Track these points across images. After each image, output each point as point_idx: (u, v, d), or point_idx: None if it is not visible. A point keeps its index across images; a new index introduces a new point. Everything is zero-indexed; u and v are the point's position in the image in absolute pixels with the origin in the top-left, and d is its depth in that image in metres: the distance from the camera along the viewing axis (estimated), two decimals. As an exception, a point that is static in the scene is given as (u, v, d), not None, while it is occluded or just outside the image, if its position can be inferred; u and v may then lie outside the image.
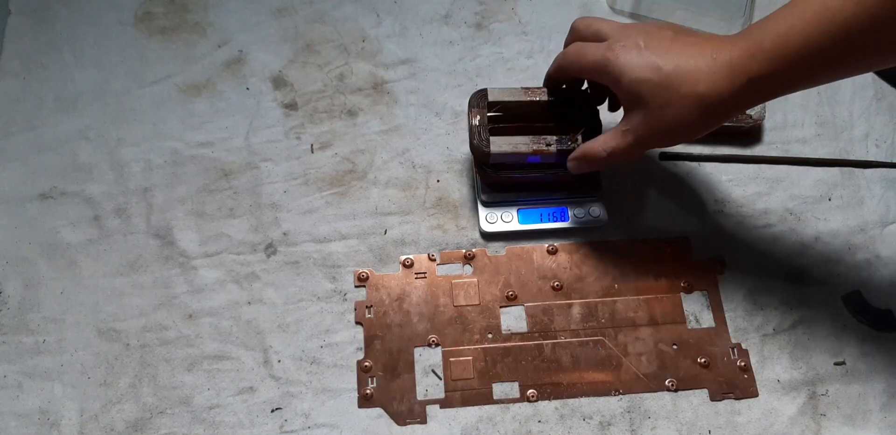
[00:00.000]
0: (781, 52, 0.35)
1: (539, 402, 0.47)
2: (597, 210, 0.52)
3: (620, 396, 0.48)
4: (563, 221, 0.52)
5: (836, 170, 0.55)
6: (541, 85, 0.48)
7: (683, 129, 0.40)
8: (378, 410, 0.47)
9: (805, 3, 0.35)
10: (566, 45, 0.45)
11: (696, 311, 0.50)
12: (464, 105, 0.55)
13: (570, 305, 0.50)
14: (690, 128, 0.40)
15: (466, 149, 0.54)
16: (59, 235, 0.52)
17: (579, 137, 0.46)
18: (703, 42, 0.39)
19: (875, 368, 0.49)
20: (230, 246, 0.52)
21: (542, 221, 0.52)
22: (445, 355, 0.48)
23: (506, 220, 0.52)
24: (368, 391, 0.47)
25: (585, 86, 0.48)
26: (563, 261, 0.52)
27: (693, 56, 0.38)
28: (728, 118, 0.40)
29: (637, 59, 0.39)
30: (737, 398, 0.48)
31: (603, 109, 0.48)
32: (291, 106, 0.57)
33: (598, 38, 0.42)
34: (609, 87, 0.41)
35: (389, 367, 0.48)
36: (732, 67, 0.37)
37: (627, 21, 0.60)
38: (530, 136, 0.46)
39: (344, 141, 0.56)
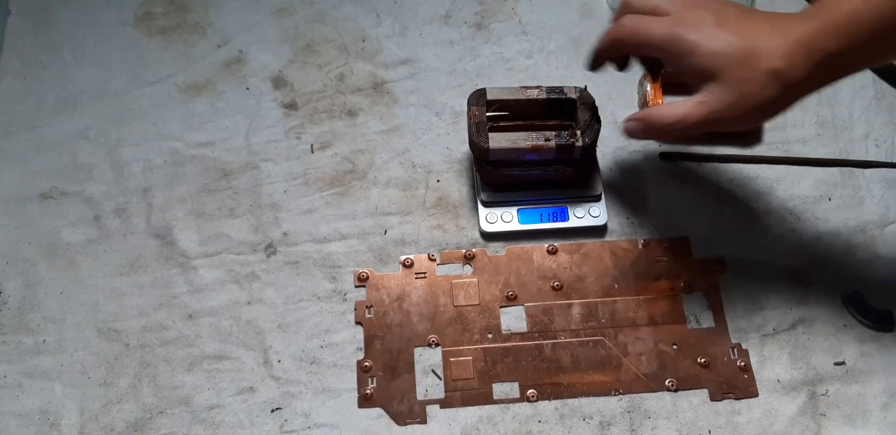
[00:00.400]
0: (855, 29, 0.35)
1: (539, 402, 0.47)
2: (597, 210, 0.52)
3: (620, 396, 0.48)
4: (563, 220, 0.52)
5: (836, 170, 0.55)
6: (540, 84, 0.48)
7: (762, 105, 0.39)
8: (378, 410, 0.47)
9: None
10: (615, 20, 0.43)
11: (696, 311, 0.50)
12: (464, 105, 0.55)
13: (570, 305, 0.50)
14: (768, 105, 0.39)
15: (466, 149, 0.54)
16: (59, 235, 0.52)
17: (578, 133, 0.46)
18: (773, 19, 0.38)
19: (875, 368, 0.49)
20: (230, 246, 0.52)
21: (542, 221, 0.52)
22: (445, 355, 0.48)
23: (506, 220, 0.52)
24: (368, 391, 0.47)
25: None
26: (563, 261, 0.52)
27: (767, 33, 0.37)
28: (803, 97, 0.39)
29: (710, 35, 0.38)
30: (737, 398, 0.48)
31: (602, 108, 0.48)
32: (291, 106, 0.57)
33: (656, 13, 0.41)
34: (674, 62, 0.40)
35: (389, 367, 0.48)
36: (808, 44, 0.36)
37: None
38: (529, 132, 0.46)
39: (344, 141, 0.56)
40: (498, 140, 0.46)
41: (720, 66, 0.38)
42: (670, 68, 0.41)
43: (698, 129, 0.41)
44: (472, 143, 0.47)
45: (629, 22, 0.41)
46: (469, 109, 0.47)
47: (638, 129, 0.43)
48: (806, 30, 0.37)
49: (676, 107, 0.41)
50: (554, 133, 0.46)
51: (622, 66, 0.46)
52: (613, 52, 0.44)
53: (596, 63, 0.45)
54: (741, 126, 0.41)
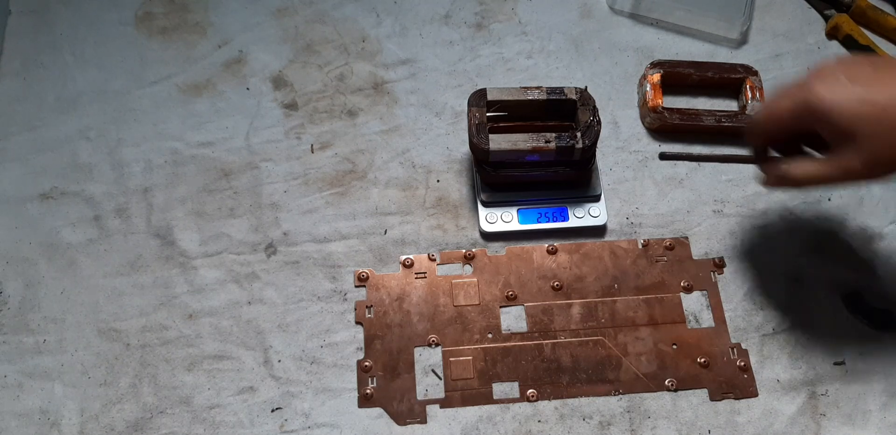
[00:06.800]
0: None
1: (539, 402, 0.47)
2: (596, 210, 0.52)
3: (620, 395, 0.48)
4: (562, 221, 0.52)
5: (835, 170, 0.55)
6: (541, 84, 0.48)
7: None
8: (378, 410, 0.47)
9: None
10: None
11: (696, 311, 0.50)
12: (464, 105, 0.55)
13: (569, 305, 0.50)
14: None
15: (466, 149, 0.54)
16: (60, 235, 0.52)
17: (578, 134, 0.46)
18: None
19: (875, 368, 0.49)
20: (230, 246, 0.52)
21: (541, 221, 0.52)
22: (445, 355, 0.48)
23: (506, 220, 0.52)
24: (368, 391, 0.47)
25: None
26: (563, 261, 0.52)
27: None
28: None
29: (843, 94, 0.37)
30: (736, 398, 0.48)
31: (602, 109, 0.48)
32: (291, 106, 0.57)
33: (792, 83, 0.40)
34: (815, 126, 0.39)
35: (389, 367, 0.48)
36: None
37: (627, 21, 0.61)
38: (529, 134, 0.46)
39: (344, 141, 0.56)
40: (498, 141, 0.46)
41: (857, 125, 0.37)
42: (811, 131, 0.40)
43: (834, 186, 0.41)
44: (472, 145, 0.47)
45: (766, 101, 0.40)
46: (469, 110, 0.47)
47: (772, 184, 0.43)
48: None
49: (811, 166, 0.40)
50: (554, 135, 0.46)
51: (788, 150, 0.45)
52: (767, 134, 0.43)
53: (759, 150, 0.44)
54: (875, 180, 0.41)
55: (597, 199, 0.52)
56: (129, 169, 0.54)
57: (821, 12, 0.61)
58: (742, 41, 0.60)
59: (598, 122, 0.47)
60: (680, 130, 0.56)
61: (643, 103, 0.56)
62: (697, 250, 0.52)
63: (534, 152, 0.46)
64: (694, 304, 0.51)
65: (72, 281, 0.51)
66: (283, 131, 0.56)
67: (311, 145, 0.55)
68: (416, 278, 0.51)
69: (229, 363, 0.48)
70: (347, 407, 0.47)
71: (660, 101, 0.54)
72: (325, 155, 0.55)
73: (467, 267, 0.51)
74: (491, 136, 0.46)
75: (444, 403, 0.47)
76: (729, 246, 0.52)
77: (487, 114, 0.47)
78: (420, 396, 0.47)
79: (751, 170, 0.55)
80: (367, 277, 0.51)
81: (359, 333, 0.49)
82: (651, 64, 0.56)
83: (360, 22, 0.60)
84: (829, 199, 0.54)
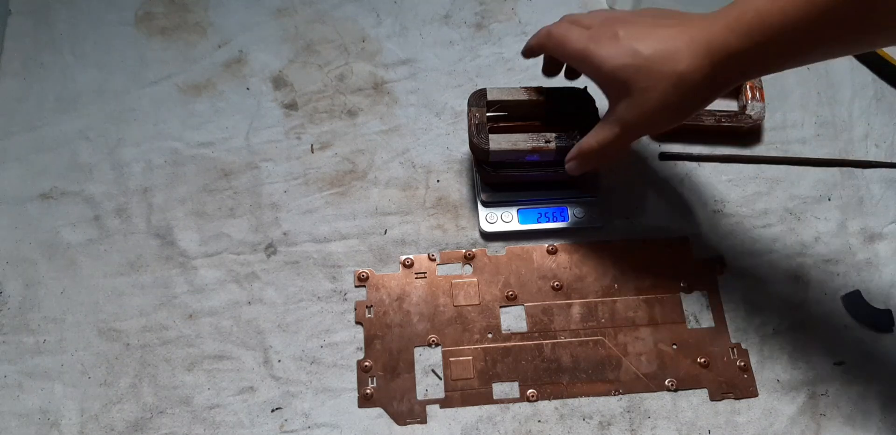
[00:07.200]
0: (761, 27, 0.34)
1: (539, 402, 0.47)
2: (597, 210, 0.52)
3: (620, 395, 0.48)
4: (562, 221, 0.52)
5: (835, 170, 0.55)
6: (541, 84, 0.48)
7: (668, 112, 0.39)
8: (378, 410, 0.47)
9: None
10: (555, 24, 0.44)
11: (696, 311, 0.50)
12: (464, 105, 0.55)
13: (569, 305, 0.50)
14: (675, 110, 0.39)
15: (466, 149, 0.54)
16: (59, 235, 0.52)
17: (578, 134, 0.46)
18: (682, 22, 0.38)
19: (875, 368, 0.49)
20: (230, 246, 0.52)
21: (541, 221, 0.52)
22: (445, 355, 0.48)
23: (506, 220, 0.52)
24: (368, 391, 0.47)
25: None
26: (563, 261, 0.52)
27: (672, 37, 0.37)
28: (712, 99, 0.39)
29: (616, 49, 0.38)
30: (736, 398, 0.48)
31: (602, 109, 0.48)
32: (291, 106, 0.57)
33: (581, 25, 0.42)
34: (590, 77, 0.41)
35: (389, 367, 0.48)
36: (711, 44, 0.36)
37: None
38: (530, 134, 0.46)
39: (344, 141, 0.56)
40: (498, 142, 0.46)
41: (625, 77, 0.38)
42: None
43: (623, 146, 0.42)
44: (472, 145, 0.47)
45: (556, 30, 0.43)
46: (469, 110, 0.47)
47: (579, 165, 0.45)
48: (712, 29, 0.36)
49: (596, 133, 0.42)
50: (554, 135, 0.46)
51: (550, 71, 0.47)
52: (539, 53, 0.45)
53: (527, 56, 0.46)
54: (660, 131, 0.43)
55: (597, 199, 0.52)
56: (129, 169, 0.54)
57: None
58: (742, 41, 0.60)
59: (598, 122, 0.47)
60: (680, 130, 0.56)
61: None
62: (697, 250, 0.52)
63: (534, 152, 0.46)
64: (694, 304, 0.51)
65: (72, 281, 0.51)
66: (283, 131, 0.56)
67: (311, 145, 0.55)
68: (416, 278, 0.51)
69: (229, 363, 0.48)
70: (347, 407, 0.47)
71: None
72: (325, 155, 0.55)
73: (467, 267, 0.51)
74: (491, 136, 0.46)
75: (444, 403, 0.47)
76: (729, 246, 0.52)
77: (487, 114, 0.47)
78: (420, 396, 0.47)
79: (751, 170, 0.55)
80: (367, 277, 0.51)
81: (359, 333, 0.49)
82: (651, 64, 0.56)
83: (360, 22, 0.60)
84: (829, 199, 0.54)
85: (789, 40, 0.34)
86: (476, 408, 0.47)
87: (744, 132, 0.56)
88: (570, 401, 0.47)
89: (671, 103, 0.38)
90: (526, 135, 0.46)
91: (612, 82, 0.40)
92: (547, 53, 0.45)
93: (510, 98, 0.47)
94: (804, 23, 0.33)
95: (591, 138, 0.43)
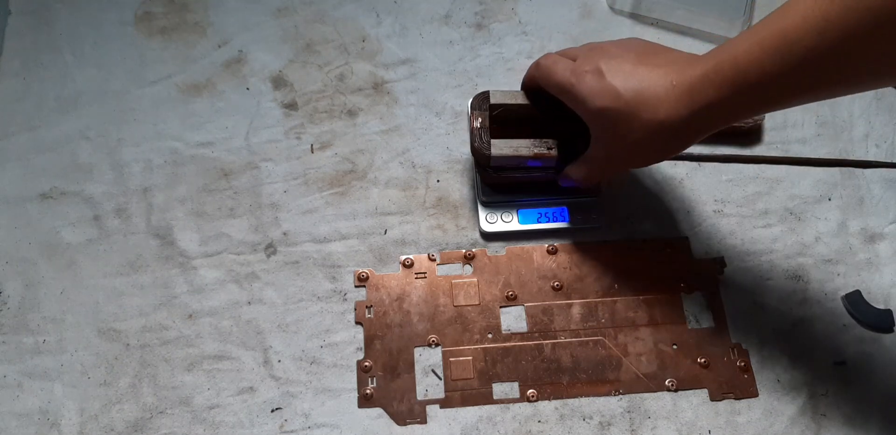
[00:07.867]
0: (738, 80, 0.34)
1: (539, 402, 0.47)
2: (597, 210, 0.52)
3: (620, 396, 0.48)
4: (562, 221, 0.52)
5: (836, 170, 0.55)
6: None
7: (647, 154, 0.41)
8: (378, 410, 0.47)
9: (765, 30, 0.33)
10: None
11: (696, 311, 0.50)
12: (464, 105, 0.55)
13: (570, 305, 0.50)
14: (655, 152, 0.41)
15: (466, 149, 0.54)
16: (59, 235, 0.52)
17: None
18: (665, 64, 0.38)
19: (875, 368, 0.49)
20: (230, 246, 0.52)
21: (541, 222, 0.52)
22: (445, 355, 0.48)
23: (506, 220, 0.52)
24: (368, 391, 0.47)
25: None
26: (563, 261, 0.52)
27: (654, 81, 0.37)
28: (693, 142, 0.39)
29: (598, 86, 0.39)
30: (737, 398, 0.48)
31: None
32: (291, 106, 0.57)
33: (567, 55, 0.43)
34: (574, 111, 0.42)
35: (389, 367, 0.48)
36: (692, 93, 0.36)
37: (628, 21, 0.61)
38: (531, 140, 0.46)
39: (344, 141, 0.56)
40: (500, 147, 0.46)
41: (606, 119, 0.39)
42: None
43: (601, 181, 0.45)
44: (473, 149, 0.47)
45: (543, 62, 0.43)
46: (471, 114, 0.47)
47: (568, 183, 0.48)
48: (693, 77, 0.36)
49: (579, 166, 0.45)
50: (556, 141, 0.46)
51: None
52: (534, 85, 0.46)
53: (525, 89, 0.47)
54: (641, 166, 0.45)
55: (597, 199, 0.52)
56: (129, 169, 0.54)
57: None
58: (742, 41, 0.60)
59: None
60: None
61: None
62: (697, 250, 0.52)
63: (536, 158, 0.46)
64: (694, 304, 0.51)
65: (72, 281, 0.51)
66: (283, 131, 0.56)
67: (311, 145, 0.55)
68: (416, 278, 0.51)
69: (229, 363, 0.48)
70: (347, 407, 0.47)
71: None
72: (325, 155, 0.55)
73: (467, 267, 0.51)
74: (493, 141, 0.46)
75: (444, 403, 0.47)
76: (729, 246, 0.52)
77: (490, 117, 0.47)
78: (420, 397, 0.47)
79: (751, 170, 0.55)
80: (367, 277, 0.51)
81: (359, 334, 0.49)
82: (651, 64, 0.56)
83: (360, 22, 0.60)
84: (830, 199, 0.54)
85: (768, 91, 0.34)
86: (476, 408, 0.47)
87: (744, 132, 0.56)
88: (570, 401, 0.47)
89: (650, 148, 0.40)
90: (528, 140, 0.46)
91: (593, 120, 0.40)
92: (537, 85, 0.45)
93: (513, 102, 0.47)
94: (781, 77, 0.33)
95: (574, 171, 0.45)
